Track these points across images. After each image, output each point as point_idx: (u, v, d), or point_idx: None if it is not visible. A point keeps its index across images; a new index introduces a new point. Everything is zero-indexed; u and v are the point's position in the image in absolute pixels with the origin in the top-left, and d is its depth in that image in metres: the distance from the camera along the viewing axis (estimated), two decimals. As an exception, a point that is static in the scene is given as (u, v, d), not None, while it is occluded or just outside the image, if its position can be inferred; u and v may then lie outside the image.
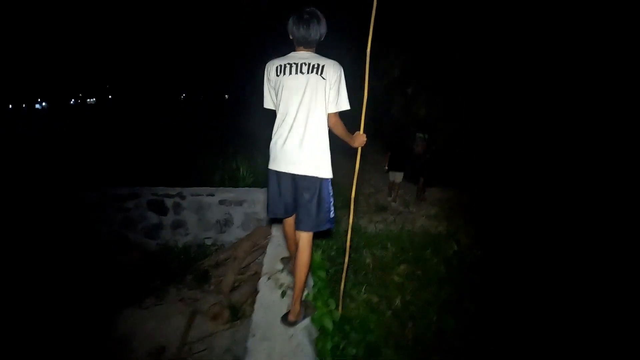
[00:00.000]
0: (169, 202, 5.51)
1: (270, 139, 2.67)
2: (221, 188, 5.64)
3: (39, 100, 53.88)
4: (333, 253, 4.60)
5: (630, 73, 6.74)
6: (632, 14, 6.46)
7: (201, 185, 6.14)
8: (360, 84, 2.74)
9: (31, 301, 4.52)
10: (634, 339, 3.64)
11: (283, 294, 3.05)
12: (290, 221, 2.94)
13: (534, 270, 4.74)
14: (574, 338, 3.68)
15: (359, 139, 2.71)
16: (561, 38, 7.37)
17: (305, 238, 2.70)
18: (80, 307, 4.47)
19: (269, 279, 3.12)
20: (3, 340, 3.96)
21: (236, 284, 4.85)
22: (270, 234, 4.75)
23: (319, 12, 2.56)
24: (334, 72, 2.51)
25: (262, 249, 4.92)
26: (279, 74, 2.57)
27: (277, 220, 4.12)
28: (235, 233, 5.45)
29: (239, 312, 4.16)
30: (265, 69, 2.65)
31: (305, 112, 2.52)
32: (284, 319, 2.73)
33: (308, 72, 2.51)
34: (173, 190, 5.53)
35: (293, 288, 2.77)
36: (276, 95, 2.63)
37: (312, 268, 3.37)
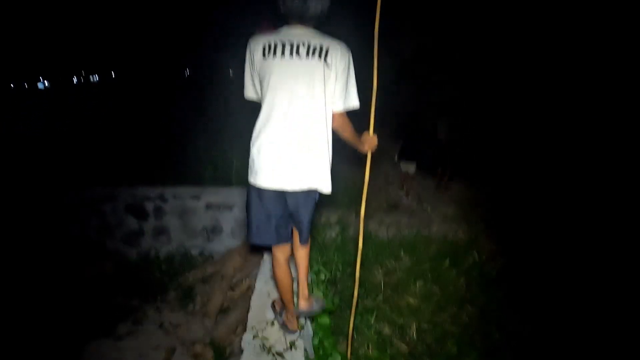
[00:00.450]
0: (149, 206, 4.79)
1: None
2: (208, 188, 4.89)
3: (41, 79, 53.24)
4: (338, 273, 3.88)
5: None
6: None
7: (192, 176, 5.57)
8: (366, 68, 2.12)
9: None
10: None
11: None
12: (282, 257, 2.27)
13: (563, 283, 4.13)
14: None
15: (370, 141, 2.17)
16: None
17: (305, 246, 2.30)
18: (40, 336, 3.79)
19: (254, 337, 2.38)
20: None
21: (225, 305, 4.19)
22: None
23: None
24: (341, 58, 1.90)
25: (255, 266, 4.22)
26: (266, 55, 1.90)
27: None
28: (224, 242, 4.73)
29: (225, 353, 3.46)
30: (248, 47, 1.97)
31: (301, 109, 1.90)
32: (300, 312, 2.43)
33: (307, 56, 1.87)
34: (153, 192, 4.80)
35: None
36: (261, 84, 1.96)
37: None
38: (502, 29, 7.45)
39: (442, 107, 6.98)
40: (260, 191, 2.03)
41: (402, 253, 4.66)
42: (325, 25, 1.99)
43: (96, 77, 60.80)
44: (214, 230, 4.72)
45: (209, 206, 4.64)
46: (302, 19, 1.90)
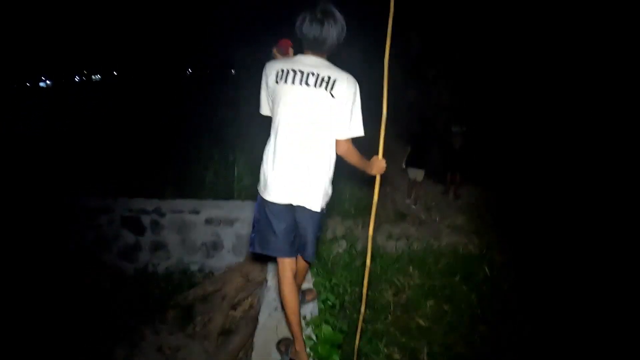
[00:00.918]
0: (145, 220, 4.57)
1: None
2: (207, 202, 4.67)
3: (43, 78, 53.15)
4: (347, 297, 3.65)
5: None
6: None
7: (192, 184, 5.44)
8: (373, 73, 2.35)
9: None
10: None
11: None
12: (289, 274, 2.31)
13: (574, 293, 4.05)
14: None
15: (378, 165, 2.25)
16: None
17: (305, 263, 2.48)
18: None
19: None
20: None
21: (227, 326, 3.98)
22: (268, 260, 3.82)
23: (336, 11, 2.02)
24: (347, 90, 2.01)
25: (258, 285, 4.00)
26: (278, 80, 2.07)
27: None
28: (225, 258, 4.50)
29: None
30: (264, 71, 2.15)
31: (306, 134, 2.07)
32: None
33: (315, 86, 2.00)
34: (150, 205, 4.58)
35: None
36: (272, 105, 2.15)
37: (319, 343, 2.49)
38: (514, 31, 7.21)
39: (453, 112, 6.73)
40: (268, 203, 2.19)
41: (411, 268, 4.45)
42: (338, 52, 2.12)
43: (98, 76, 60.73)
44: (214, 246, 4.50)
45: (208, 221, 4.41)
46: (318, 48, 2.04)
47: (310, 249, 2.31)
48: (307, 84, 2.01)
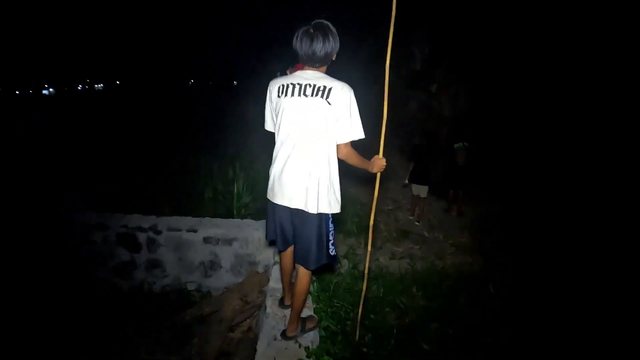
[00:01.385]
0: (141, 237, 4.42)
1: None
2: (205, 220, 4.51)
3: (46, 85, 53.34)
4: (349, 322, 3.50)
5: None
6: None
7: (190, 199, 5.32)
8: (374, 83, 2.56)
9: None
10: None
11: None
12: (288, 253, 2.70)
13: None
14: None
15: (378, 163, 2.49)
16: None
17: (303, 270, 2.52)
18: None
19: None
20: None
21: (224, 349, 3.82)
22: (267, 282, 3.69)
23: (329, 26, 2.21)
24: (342, 97, 2.19)
25: (257, 307, 3.86)
26: (280, 94, 2.31)
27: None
28: (223, 278, 4.35)
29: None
30: (268, 88, 2.41)
31: (307, 141, 2.25)
32: (283, 334, 2.63)
33: (312, 95, 2.21)
34: (146, 222, 4.44)
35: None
36: (276, 118, 2.37)
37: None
38: (517, 44, 7.12)
39: (456, 126, 6.62)
40: (273, 205, 2.44)
41: (415, 289, 4.35)
42: (335, 62, 2.33)
43: (101, 85, 60.93)
44: (212, 266, 4.34)
45: (206, 240, 4.26)
46: (311, 62, 2.25)
47: (312, 255, 2.41)
48: (305, 94, 2.22)
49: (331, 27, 2.21)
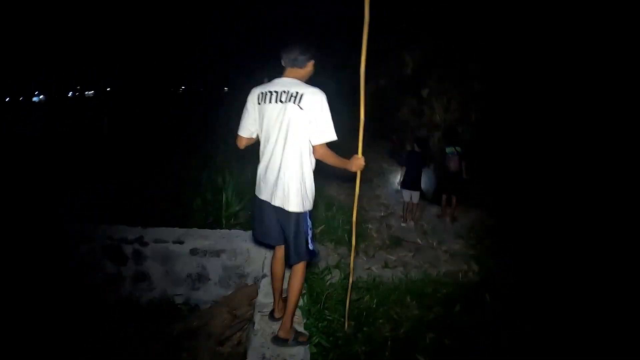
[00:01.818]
0: (127, 249, 4.29)
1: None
2: (192, 231, 4.39)
3: (37, 92, 52.84)
4: (340, 334, 3.39)
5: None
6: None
7: (178, 208, 5.26)
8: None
9: None
10: None
11: None
12: (279, 258, 2.79)
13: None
14: None
15: (357, 163, 2.57)
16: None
17: (295, 267, 2.66)
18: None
19: None
20: None
21: (212, 365, 3.70)
22: (256, 295, 3.57)
23: (305, 43, 2.52)
24: (313, 102, 2.37)
25: (246, 321, 3.73)
26: (260, 101, 2.52)
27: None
28: (212, 291, 4.22)
29: None
30: (249, 95, 2.59)
31: (283, 143, 2.44)
32: (275, 339, 2.66)
33: (286, 101, 2.40)
34: (132, 233, 4.31)
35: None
36: (259, 123, 2.56)
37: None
38: (509, 50, 7.08)
39: (447, 131, 6.54)
40: (259, 200, 2.62)
41: (409, 299, 4.24)
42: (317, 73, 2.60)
43: (91, 92, 60.53)
44: (199, 278, 4.21)
45: (193, 252, 4.14)
46: (290, 65, 2.51)
47: (292, 252, 2.57)
48: (281, 101, 2.41)
49: (306, 43, 2.51)
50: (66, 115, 22.82)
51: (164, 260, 4.23)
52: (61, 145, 11.23)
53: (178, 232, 4.33)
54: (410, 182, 6.13)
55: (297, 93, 2.37)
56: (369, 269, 4.77)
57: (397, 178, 6.18)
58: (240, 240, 4.16)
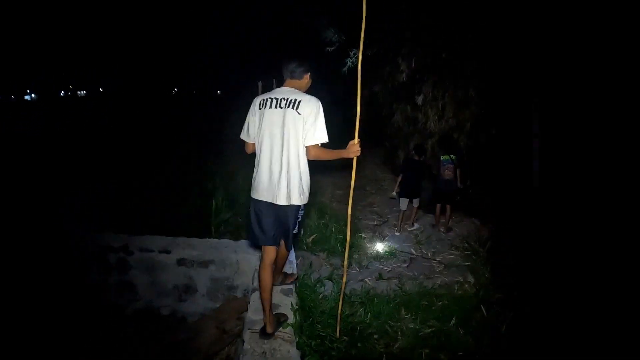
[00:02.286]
0: (112, 258, 4.12)
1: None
2: (180, 239, 4.22)
3: (28, 91, 52.43)
4: (333, 352, 3.23)
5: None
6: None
7: (165, 215, 5.19)
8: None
9: None
10: None
11: None
12: (267, 261, 2.88)
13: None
14: None
15: (352, 148, 2.74)
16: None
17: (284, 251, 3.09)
18: None
19: None
20: None
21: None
22: (246, 308, 3.41)
23: (305, 60, 2.82)
24: (309, 107, 2.63)
25: (235, 336, 3.58)
26: (261, 107, 2.75)
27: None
28: (199, 303, 4.05)
29: None
30: (252, 102, 2.84)
31: (281, 145, 2.66)
32: (262, 333, 2.79)
33: (285, 107, 2.65)
34: (116, 241, 4.14)
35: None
36: (258, 127, 2.76)
37: None
38: (505, 55, 7.00)
39: (443, 142, 6.41)
40: (255, 201, 2.82)
41: (403, 312, 4.10)
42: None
43: (84, 92, 60.11)
44: (186, 290, 4.05)
45: (180, 262, 3.97)
46: (289, 76, 2.82)
47: (290, 242, 2.97)
48: (280, 106, 2.67)
49: (304, 59, 2.83)
50: (59, 115, 22.56)
51: (149, 269, 4.08)
52: (51, 145, 11.05)
53: (164, 240, 4.16)
54: (409, 190, 6.03)
55: (295, 100, 2.64)
56: (362, 280, 4.62)
57: (391, 186, 6.04)
58: (230, 251, 4.00)
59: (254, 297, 3.23)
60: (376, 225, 6.48)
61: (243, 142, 2.92)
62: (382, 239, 5.93)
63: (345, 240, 3.12)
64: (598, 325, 3.80)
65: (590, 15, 5.80)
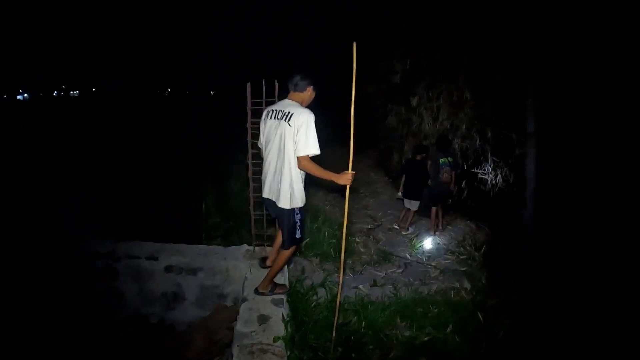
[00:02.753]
0: (100, 264, 3.97)
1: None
2: (168, 245, 4.07)
3: (21, 91, 52.08)
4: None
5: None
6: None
7: (153, 219, 5.05)
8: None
9: None
10: None
11: None
12: (278, 239, 3.49)
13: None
14: None
15: (345, 176, 2.80)
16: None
17: (283, 253, 3.24)
18: None
19: None
20: None
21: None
22: (235, 317, 3.28)
23: (308, 74, 3.06)
24: (300, 120, 2.81)
25: (224, 347, 3.45)
26: (266, 118, 3.11)
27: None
28: (188, 311, 3.92)
29: None
30: (263, 113, 3.19)
31: (277, 153, 2.98)
32: (255, 290, 3.33)
33: (280, 119, 2.93)
34: (103, 247, 4.00)
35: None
36: (263, 136, 3.13)
37: None
38: (500, 56, 6.90)
39: (440, 144, 6.30)
40: (263, 198, 3.21)
41: (399, 320, 4.03)
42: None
43: (76, 92, 59.75)
44: (175, 297, 3.91)
45: (168, 269, 3.83)
46: (292, 89, 3.08)
47: (285, 239, 3.16)
48: (277, 118, 2.97)
49: (309, 75, 3.06)
50: (59, 115, 22.35)
51: (136, 277, 3.94)
52: (50, 146, 10.90)
53: (152, 247, 4.03)
54: (411, 191, 5.98)
55: (289, 112, 2.88)
56: (356, 287, 4.52)
57: (386, 188, 5.97)
58: (219, 258, 3.87)
59: (244, 308, 3.11)
60: (369, 229, 6.38)
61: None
62: (376, 243, 5.83)
63: (340, 245, 3.02)
64: (595, 330, 3.74)
65: (586, 18, 5.72)
